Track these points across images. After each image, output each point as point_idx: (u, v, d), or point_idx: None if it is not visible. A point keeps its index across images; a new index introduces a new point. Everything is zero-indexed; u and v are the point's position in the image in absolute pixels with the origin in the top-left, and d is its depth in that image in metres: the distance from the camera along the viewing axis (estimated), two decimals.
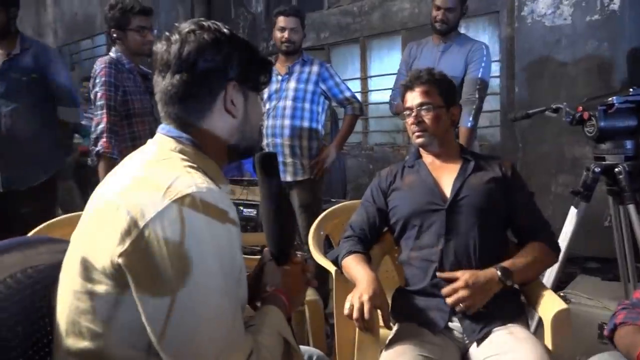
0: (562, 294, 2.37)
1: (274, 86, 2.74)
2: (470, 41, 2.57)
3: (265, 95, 2.77)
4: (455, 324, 1.44)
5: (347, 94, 2.78)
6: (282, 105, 2.70)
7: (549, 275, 1.88)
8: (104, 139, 2.09)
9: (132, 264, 0.78)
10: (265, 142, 2.77)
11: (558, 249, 1.56)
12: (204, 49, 0.91)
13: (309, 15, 5.65)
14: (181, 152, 0.91)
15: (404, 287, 1.60)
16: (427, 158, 1.68)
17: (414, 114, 1.61)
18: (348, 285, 1.57)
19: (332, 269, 1.81)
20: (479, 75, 2.48)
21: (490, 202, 1.53)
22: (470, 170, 1.59)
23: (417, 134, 1.62)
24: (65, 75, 2.58)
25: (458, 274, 1.40)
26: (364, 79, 5.30)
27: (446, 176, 1.60)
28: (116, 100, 2.16)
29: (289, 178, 2.73)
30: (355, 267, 1.50)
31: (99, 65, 2.19)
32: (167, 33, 0.95)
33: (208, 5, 6.46)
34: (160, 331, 0.79)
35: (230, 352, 0.82)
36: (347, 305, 1.35)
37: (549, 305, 1.39)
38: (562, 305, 1.36)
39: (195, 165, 0.90)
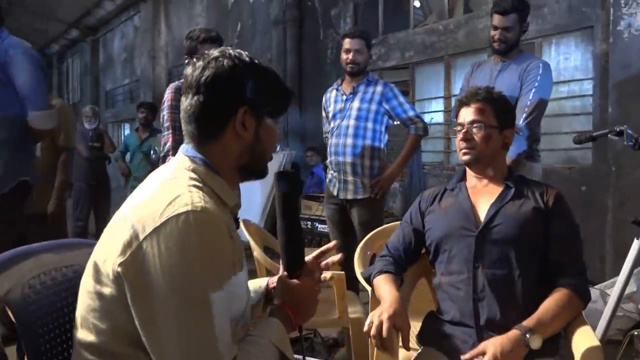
0: (636, 333, 2.17)
1: (338, 105, 2.82)
2: (528, 59, 2.45)
3: (330, 115, 2.86)
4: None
5: (411, 113, 2.78)
6: (345, 125, 2.76)
7: (605, 316, 1.73)
8: (170, 157, 2.30)
9: (129, 274, 0.87)
10: (329, 159, 2.85)
11: (588, 297, 1.42)
12: (221, 74, 0.99)
13: (395, 35, 5.72)
14: (193, 170, 1.00)
15: (436, 311, 1.58)
16: (470, 181, 1.63)
17: (464, 130, 1.57)
18: None
19: (369, 287, 1.82)
20: (530, 98, 2.33)
21: (524, 233, 1.45)
22: (509, 198, 1.52)
23: (464, 150, 1.58)
24: (29, 75, 2.22)
25: (482, 347, 1.32)
26: (448, 97, 5.21)
27: (484, 202, 1.55)
28: (181, 122, 2.36)
29: (349, 196, 2.77)
30: (383, 286, 1.51)
31: (167, 91, 2.43)
32: (194, 59, 1.05)
33: (300, 28, 6.74)
34: (150, 337, 0.88)
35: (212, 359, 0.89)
36: (367, 322, 1.37)
37: (581, 341, 1.30)
38: (595, 342, 1.27)
39: (200, 185, 0.98)
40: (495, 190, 1.57)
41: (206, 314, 0.88)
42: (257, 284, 1.26)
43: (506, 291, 1.43)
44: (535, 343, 1.29)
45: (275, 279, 1.22)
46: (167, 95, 2.41)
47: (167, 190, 0.94)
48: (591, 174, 3.96)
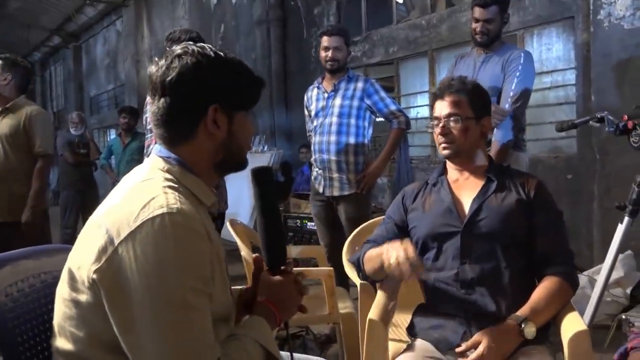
0: (624, 316, 2.19)
1: (320, 103, 2.81)
2: (510, 50, 2.46)
3: (313, 113, 2.85)
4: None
5: (392, 107, 2.78)
6: (328, 122, 2.75)
7: (592, 301, 1.74)
8: None
9: (105, 280, 0.85)
10: (312, 157, 2.84)
11: (576, 284, 1.44)
12: (185, 73, 0.95)
13: (378, 32, 5.73)
14: (168, 171, 0.97)
15: (425, 304, 1.57)
16: (452, 174, 1.61)
17: (441, 124, 1.55)
18: (373, 298, 1.57)
19: (358, 282, 1.82)
20: (512, 87, 2.34)
21: (508, 226, 1.45)
22: (492, 191, 1.51)
23: (443, 145, 1.56)
24: None
25: (477, 338, 1.31)
26: (433, 92, 5.21)
27: (467, 196, 1.54)
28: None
29: (335, 193, 2.76)
30: (376, 249, 1.48)
31: None
32: (156, 58, 1.02)
33: (283, 28, 6.72)
34: (129, 343, 0.86)
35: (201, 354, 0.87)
36: (387, 261, 1.33)
37: (569, 326, 1.31)
38: (582, 326, 1.27)
39: (176, 185, 0.95)
40: (477, 183, 1.55)
41: (186, 317, 0.86)
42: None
43: (495, 283, 1.43)
44: (530, 333, 1.29)
45: (249, 286, 1.20)
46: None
47: (142, 192, 0.92)
48: (576, 162, 3.99)
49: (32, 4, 11.58)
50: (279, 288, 1.10)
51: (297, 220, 4.49)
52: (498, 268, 1.43)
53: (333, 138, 2.74)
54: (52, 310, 1.06)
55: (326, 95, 2.81)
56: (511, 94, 2.33)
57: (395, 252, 1.30)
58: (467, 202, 1.52)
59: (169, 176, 0.97)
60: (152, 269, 0.84)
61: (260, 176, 1.10)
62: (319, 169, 2.84)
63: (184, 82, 0.96)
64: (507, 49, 2.48)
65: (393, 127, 2.81)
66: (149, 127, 2.33)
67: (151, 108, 1.00)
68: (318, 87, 2.91)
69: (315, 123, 2.83)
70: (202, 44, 1.01)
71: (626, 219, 1.78)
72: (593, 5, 3.78)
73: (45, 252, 1.15)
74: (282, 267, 1.12)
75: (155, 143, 2.23)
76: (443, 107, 1.56)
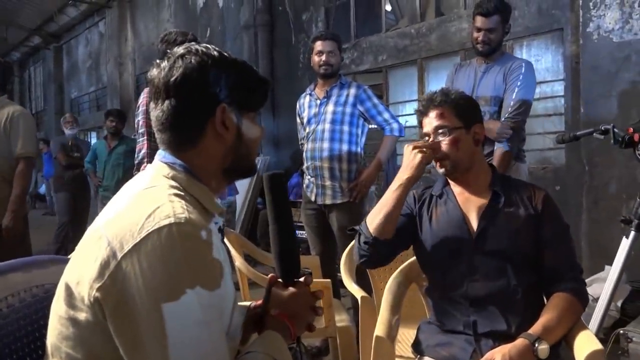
0: (622, 331, 2.17)
1: (312, 110, 2.76)
2: (511, 59, 2.45)
3: (305, 120, 2.80)
4: None
5: (386, 115, 2.75)
6: (320, 129, 2.71)
7: (596, 317, 1.72)
8: (145, 164, 2.20)
9: (109, 299, 0.78)
10: (305, 165, 2.79)
11: (586, 300, 1.41)
12: (190, 73, 0.90)
13: (367, 39, 5.71)
14: (173, 178, 0.91)
15: (430, 319, 1.52)
16: (456, 187, 1.55)
17: (430, 139, 1.49)
18: (375, 311, 1.52)
19: (358, 294, 1.77)
20: (513, 97, 2.32)
21: (518, 243, 1.41)
22: (500, 207, 1.46)
23: (439, 163, 1.49)
24: None
25: (489, 356, 1.28)
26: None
27: (474, 211, 1.48)
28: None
29: (327, 201, 2.71)
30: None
31: (142, 95, 2.33)
32: (158, 60, 0.96)
33: (271, 33, 6.67)
34: (159, 349, 0.78)
35: None
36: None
37: (583, 345, 1.27)
38: (597, 346, 1.24)
39: (182, 193, 0.89)
40: (484, 197, 1.49)
41: (197, 335, 0.80)
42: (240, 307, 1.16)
43: (505, 301, 1.39)
44: (544, 352, 1.25)
45: (259, 302, 1.12)
46: (142, 99, 2.31)
47: (146, 201, 0.85)
48: (565, 174, 4.01)
49: (11, 2, 11.34)
50: (293, 300, 1.04)
51: None
52: (508, 285, 1.39)
53: (326, 145, 2.69)
54: (44, 326, 0.99)
55: (318, 102, 2.76)
56: (511, 103, 2.32)
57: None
58: (475, 217, 1.47)
59: (174, 183, 0.90)
60: (161, 285, 0.77)
61: (274, 182, 1.04)
62: (311, 176, 2.78)
63: (189, 82, 0.90)
64: (507, 58, 2.47)
65: (386, 134, 2.77)
66: (140, 130, 2.26)
67: (154, 113, 0.94)
68: (310, 94, 2.86)
69: (307, 130, 2.79)
70: (205, 44, 0.96)
71: (632, 233, 1.76)
72: (582, 18, 3.81)
73: (36, 263, 1.06)
74: (296, 279, 1.06)
75: (149, 148, 2.20)
76: (429, 123, 1.51)
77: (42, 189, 12.95)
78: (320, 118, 2.73)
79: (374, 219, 1.48)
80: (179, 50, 0.94)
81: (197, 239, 0.82)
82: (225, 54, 0.96)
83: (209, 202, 0.94)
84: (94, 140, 11.09)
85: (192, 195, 0.91)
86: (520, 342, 1.27)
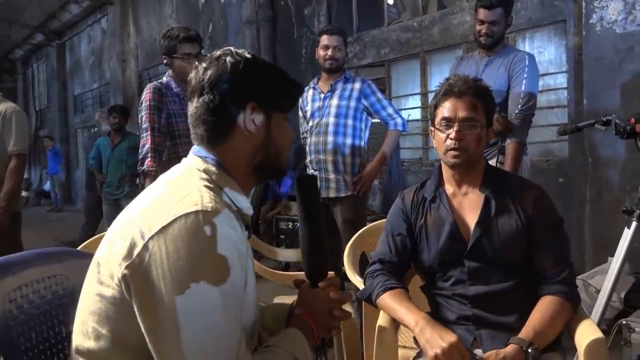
0: (625, 322, 2.19)
1: (316, 104, 2.78)
2: (513, 52, 2.46)
3: (309, 113, 2.81)
4: (478, 351, 1.37)
5: (390, 109, 2.76)
6: (324, 122, 2.72)
7: (598, 307, 1.73)
8: (149, 159, 2.21)
9: (136, 276, 0.83)
10: (309, 158, 2.81)
11: (577, 302, 1.39)
12: (223, 72, 0.96)
13: (369, 33, 5.71)
14: (205, 171, 0.96)
15: (431, 313, 1.53)
16: (449, 187, 1.51)
17: (456, 128, 1.40)
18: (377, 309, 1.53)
19: (361, 287, 1.78)
20: (522, 89, 2.33)
21: (512, 250, 1.40)
22: (492, 213, 1.43)
23: (454, 152, 1.42)
24: None
25: None
26: (424, 94, 5.22)
27: (468, 217, 1.46)
28: (160, 123, 2.29)
29: (331, 194, 2.73)
30: (396, 308, 1.40)
31: (145, 91, 2.34)
32: (196, 62, 1.02)
33: (273, 28, 6.67)
34: (155, 341, 0.82)
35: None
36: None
37: (584, 333, 1.29)
38: (598, 334, 1.25)
39: (212, 185, 0.93)
40: (476, 202, 1.46)
41: (216, 319, 0.83)
42: (279, 305, 1.20)
43: (504, 301, 1.40)
44: (536, 357, 1.24)
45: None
46: (146, 95, 2.32)
47: (176, 189, 0.91)
48: (568, 166, 4.02)
49: (14, 0, 11.36)
50: (317, 302, 1.06)
51: (289, 223, 4.45)
52: (505, 287, 1.40)
53: (330, 138, 2.70)
54: (57, 316, 1.05)
55: (322, 95, 2.78)
56: (521, 95, 2.32)
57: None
58: (469, 224, 1.45)
59: (205, 176, 0.96)
60: (183, 268, 0.81)
61: (306, 184, 1.08)
62: (315, 170, 2.80)
63: (221, 80, 0.96)
64: (509, 51, 2.48)
65: (390, 128, 2.79)
66: (144, 126, 2.27)
67: (189, 110, 1.01)
68: (314, 88, 2.87)
69: (311, 124, 2.80)
70: (242, 49, 1.02)
71: (634, 223, 1.77)
72: (585, 9, 3.81)
73: (49, 255, 1.09)
74: (323, 280, 1.08)
75: (152, 143, 2.20)
76: (460, 108, 1.41)
77: (47, 186, 13.02)
78: (324, 112, 2.75)
79: (384, 308, 1.46)
80: (216, 52, 1.00)
81: (222, 227, 0.86)
82: (259, 57, 1.02)
83: (237, 197, 0.98)
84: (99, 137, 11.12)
85: (221, 189, 0.96)
86: (512, 348, 1.26)
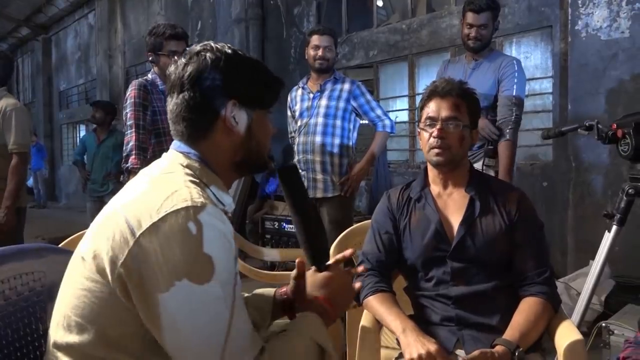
0: (604, 324, 2.22)
1: (305, 104, 2.78)
2: (501, 56, 2.49)
3: (297, 113, 2.81)
4: (460, 352, 1.37)
5: (378, 111, 2.77)
6: (313, 122, 2.73)
7: (578, 309, 1.76)
8: (133, 156, 2.20)
9: (130, 272, 0.83)
10: (296, 158, 2.81)
11: (558, 303, 1.42)
12: (204, 68, 0.95)
13: (358, 35, 5.72)
14: (188, 166, 0.96)
15: (415, 314, 1.54)
16: (434, 187, 1.54)
17: (438, 126, 1.44)
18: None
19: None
20: (513, 93, 2.37)
21: (495, 250, 1.43)
22: (477, 214, 1.45)
23: (437, 150, 1.45)
24: None
25: None
26: (412, 96, 5.24)
27: (452, 216, 1.48)
28: (145, 120, 2.27)
29: (319, 194, 2.73)
30: (384, 312, 1.41)
31: (130, 87, 2.32)
32: (175, 57, 1.02)
33: (262, 27, 6.66)
34: (159, 334, 0.83)
35: (235, 353, 0.85)
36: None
37: (564, 335, 1.30)
38: (577, 336, 1.27)
39: (197, 180, 0.94)
40: (462, 202, 1.49)
41: (221, 309, 0.84)
42: (261, 296, 1.20)
43: (485, 300, 1.42)
44: (522, 359, 1.27)
45: (284, 289, 1.17)
46: (131, 92, 2.30)
47: (163, 184, 0.90)
48: (552, 170, 4.06)
49: None
50: (331, 284, 1.08)
51: (275, 222, 4.43)
52: (487, 288, 1.42)
53: (318, 139, 2.71)
54: (33, 313, 1.02)
55: (311, 95, 2.78)
56: (513, 100, 2.37)
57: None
58: (453, 224, 1.47)
59: (189, 171, 0.95)
60: (180, 264, 0.82)
61: (288, 174, 1.08)
62: (303, 170, 2.79)
63: (202, 77, 0.95)
64: (496, 55, 2.50)
65: (378, 130, 2.80)
66: (129, 123, 2.25)
67: (169, 106, 1.00)
68: (303, 88, 2.88)
69: (299, 123, 2.80)
70: (222, 43, 1.01)
71: (614, 227, 1.80)
72: (571, 16, 3.85)
73: (26, 252, 1.07)
74: (327, 263, 1.10)
75: (136, 140, 2.19)
76: (443, 108, 1.45)
77: (30, 182, 12.84)
78: (313, 112, 2.75)
79: (371, 309, 1.47)
80: (196, 47, 0.99)
81: (211, 222, 0.86)
82: (240, 52, 1.00)
83: (219, 192, 0.98)
84: (82, 133, 11.01)
85: (205, 184, 0.95)
86: (499, 351, 1.27)
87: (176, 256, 0.82)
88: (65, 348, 0.88)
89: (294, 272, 1.14)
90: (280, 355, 0.90)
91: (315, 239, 1.07)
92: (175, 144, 1.00)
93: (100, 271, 0.85)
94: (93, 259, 0.86)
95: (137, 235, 0.83)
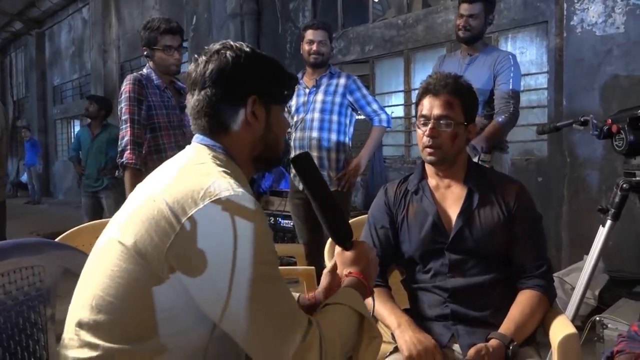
0: (598, 318, 2.24)
1: (301, 99, 2.78)
2: (496, 51, 2.51)
3: (293, 109, 2.81)
4: (456, 345, 1.39)
5: (374, 105, 2.78)
6: (309, 118, 2.73)
7: (572, 304, 1.78)
8: (128, 151, 2.19)
9: (178, 258, 0.86)
10: (293, 153, 2.81)
11: (553, 296, 1.44)
12: (225, 66, 1.00)
13: (354, 30, 5.72)
14: (214, 158, 0.99)
15: (410, 308, 1.55)
16: (432, 180, 1.55)
17: (430, 125, 1.44)
18: None
19: None
20: (510, 87, 2.38)
21: (493, 242, 1.43)
22: (475, 205, 1.46)
23: (429, 150, 1.45)
24: None
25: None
26: (408, 91, 5.25)
27: (450, 208, 1.49)
28: (140, 114, 2.26)
29: None
30: (379, 307, 1.43)
31: (125, 82, 2.31)
32: (196, 55, 1.05)
33: (257, 22, 6.64)
34: (226, 317, 0.87)
35: (288, 326, 0.89)
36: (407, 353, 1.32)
37: (558, 329, 1.32)
38: (571, 329, 1.29)
39: (228, 171, 0.97)
40: (459, 194, 1.49)
41: (271, 289, 0.89)
42: None
43: (481, 293, 1.43)
44: (516, 352, 1.29)
45: (310, 294, 1.20)
46: (125, 86, 2.28)
47: (200, 173, 0.94)
48: (547, 166, 4.08)
49: None
50: (360, 259, 1.13)
51: (271, 218, 4.43)
52: (484, 280, 1.43)
53: (315, 134, 2.71)
54: (35, 307, 1.04)
55: (307, 90, 2.78)
56: (511, 94, 2.38)
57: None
58: (451, 215, 1.48)
59: (218, 162, 0.98)
60: (232, 248, 0.86)
61: (301, 163, 1.11)
62: None
63: (223, 74, 1.00)
64: (491, 50, 2.52)
65: (374, 124, 2.80)
66: (123, 117, 2.24)
67: (190, 102, 1.04)
68: (299, 83, 2.87)
69: (295, 119, 2.80)
70: (240, 42, 1.05)
71: (609, 222, 1.81)
72: (566, 11, 3.86)
73: (24, 246, 1.07)
74: (352, 241, 1.14)
75: (131, 135, 2.18)
76: (435, 106, 1.45)
77: (24, 178, 12.78)
78: (309, 107, 2.75)
79: (367, 304, 1.48)
80: (215, 45, 1.03)
81: (252, 210, 0.90)
82: (257, 50, 1.05)
83: (243, 185, 0.99)
84: (77, 129, 10.97)
85: (232, 174, 0.98)
86: (494, 344, 1.29)
87: (228, 242, 0.85)
88: (92, 327, 0.90)
89: (329, 266, 1.20)
90: (325, 324, 0.94)
91: (338, 220, 1.13)
92: (198, 137, 1.04)
93: (142, 255, 0.88)
94: (134, 244, 0.89)
95: (183, 221, 0.86)
